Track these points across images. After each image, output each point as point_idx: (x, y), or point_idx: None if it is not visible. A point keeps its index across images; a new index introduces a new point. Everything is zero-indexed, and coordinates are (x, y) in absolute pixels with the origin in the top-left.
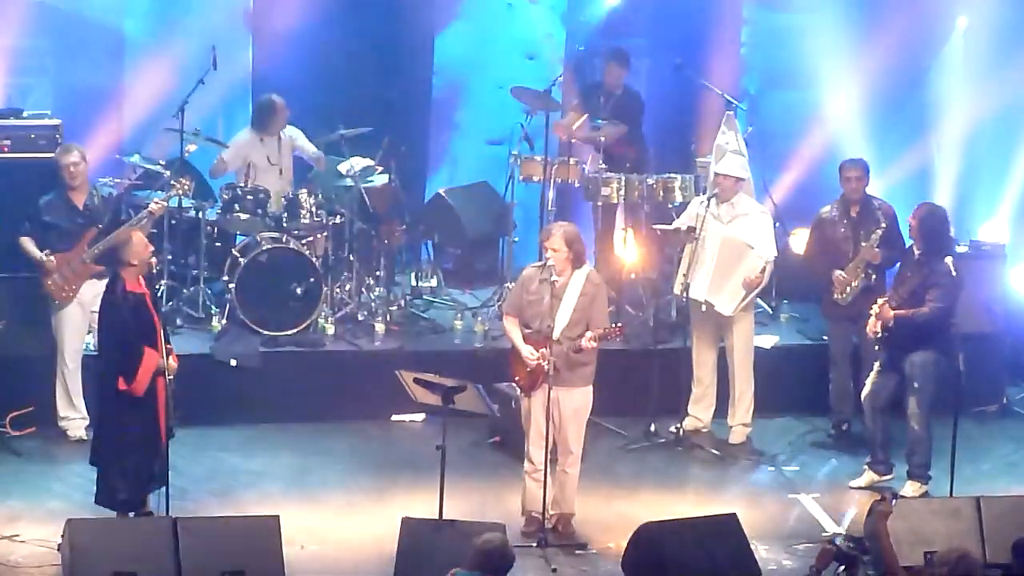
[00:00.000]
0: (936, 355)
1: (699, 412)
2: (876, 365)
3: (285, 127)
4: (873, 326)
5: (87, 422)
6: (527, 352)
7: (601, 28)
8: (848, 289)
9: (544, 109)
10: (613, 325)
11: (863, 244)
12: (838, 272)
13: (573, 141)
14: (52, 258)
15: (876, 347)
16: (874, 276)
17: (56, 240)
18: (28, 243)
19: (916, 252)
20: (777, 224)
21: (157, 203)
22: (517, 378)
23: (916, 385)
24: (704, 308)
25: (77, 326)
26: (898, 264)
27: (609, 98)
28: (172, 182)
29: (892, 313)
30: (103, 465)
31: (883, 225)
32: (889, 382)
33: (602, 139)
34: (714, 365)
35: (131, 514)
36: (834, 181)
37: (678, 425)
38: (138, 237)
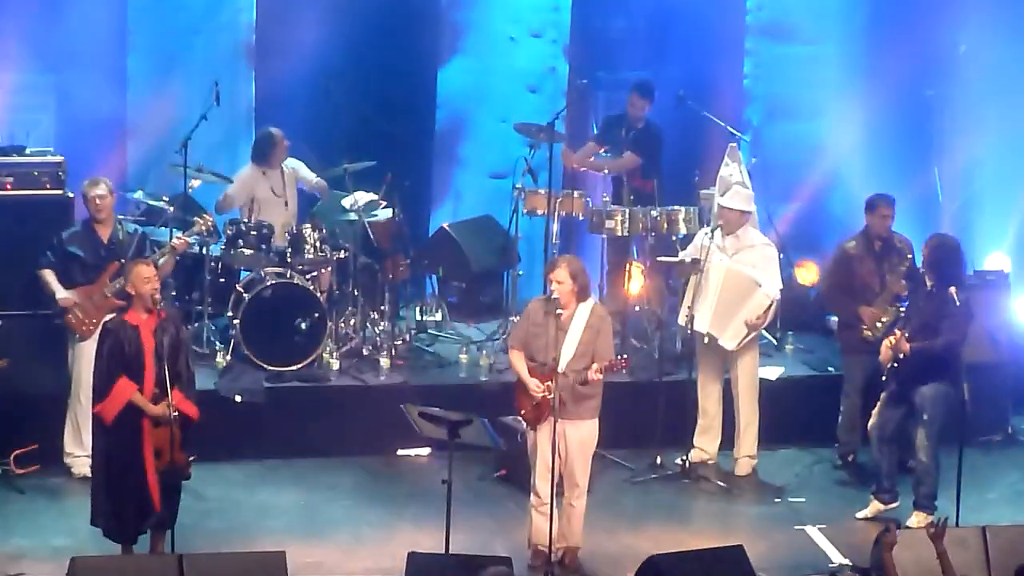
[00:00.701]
0: (946, 387)
1: (705, 444)
2: (883, 396)
3: (286, 159)
4: (886, 357)
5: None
6: (533, 385)
7: (604, 60)
8: (879, 324)
9: (547, 142)
10: (618, 357)
11: (888, 277)
12: (867, 308)
13: (579, 169)
14: (68, 295)
15: (884, 378)
16: (902, 310)
17: (79, 273)
18: (49, 275)
19: (928, 283)
20: (781, 255)
21: (179, 239)
22: (523, 411)
23: (926, 417)
24: (707, 340)
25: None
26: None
27: (630, 131)
28: (194, 219)
29: (908, 346)
30: (94, 489)
31: (909, 257)
32: (896, 413)
33: (606, 171)
34: (719, 396)
35: (120, 546)
36: (837, 211)
37: (684, 457)
38: (138, 269)
